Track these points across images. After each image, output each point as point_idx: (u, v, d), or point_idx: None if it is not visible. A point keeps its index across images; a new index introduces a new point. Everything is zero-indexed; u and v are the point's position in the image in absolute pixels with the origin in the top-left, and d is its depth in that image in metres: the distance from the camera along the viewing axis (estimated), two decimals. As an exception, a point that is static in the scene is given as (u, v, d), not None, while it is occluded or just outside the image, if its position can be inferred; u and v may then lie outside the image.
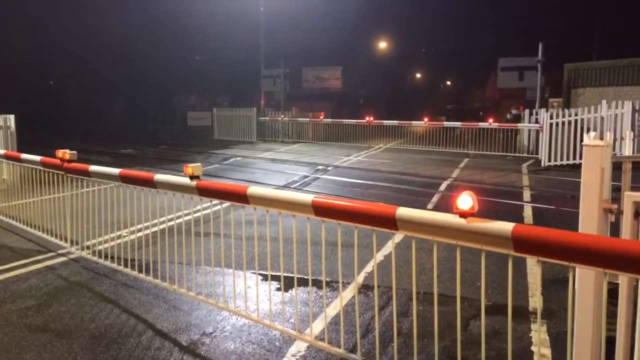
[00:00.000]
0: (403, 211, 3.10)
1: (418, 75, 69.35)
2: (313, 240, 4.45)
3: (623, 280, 2.72)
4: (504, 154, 18.07)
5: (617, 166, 4.01)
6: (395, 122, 21.71)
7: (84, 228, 6.20)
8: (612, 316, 3.06)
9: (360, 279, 5.44)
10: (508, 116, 21.15)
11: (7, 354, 3.86)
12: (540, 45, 22.59)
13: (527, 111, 18.95)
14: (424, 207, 8.94)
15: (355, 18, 46.14)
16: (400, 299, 4.92)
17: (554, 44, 26.32)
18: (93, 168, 5.67)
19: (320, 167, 15.09)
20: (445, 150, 19.41)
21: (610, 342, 2.68)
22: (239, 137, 24.68)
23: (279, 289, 5.13)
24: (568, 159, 14.89)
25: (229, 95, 40.65)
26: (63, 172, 6.14)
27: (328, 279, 5.28)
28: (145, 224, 5.60)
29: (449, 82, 75.54)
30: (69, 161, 5.97)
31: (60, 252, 6.33)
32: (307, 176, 13.36)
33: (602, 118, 14.75)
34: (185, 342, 4.07)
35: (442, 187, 11.77)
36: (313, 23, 40.08)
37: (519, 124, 18.87)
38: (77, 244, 6.27)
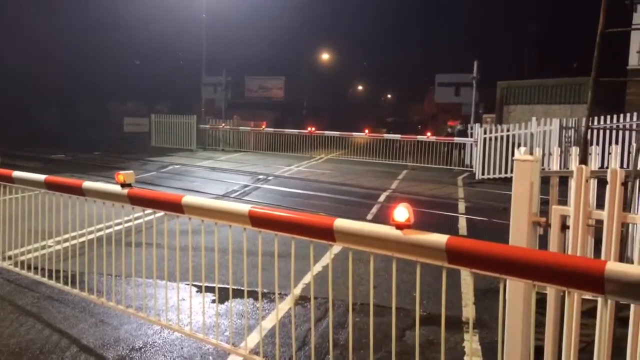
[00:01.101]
0: (340, 223, 3.08)
1: (360, 87, 70.56)
2: (250, 250, 4.36)
3: (550, 292, 2.80)
4: (444, 167, 18.51)
5: (545, 180, 4.17)
6: (336, 133, 21.91)
7: (6, 237, 5.81)
8: (540, 325, 3.16)
9: (297, 290, 5.39)
10: (449, 130, 21.78)
11: None
12: (475, 63, 23.47)
13: (469, 125, 19.62)
14: (363, 218, 9.01)
15: (299, 29, 46.49)
16: (338, 310, 4.91)
17: (488, 61, 27.43)
18: (16, 174, 5.34)
19: (261, 177, 14.96)
20: (385, 162, 19.74)
21: (539, 351, 2.75)
22: (178, 144, 24.14)
23: (214, 301, 4.99)
24: (500, 172, 15.48)
25: (169, 101, 39.80)
26: (-17, 178, 5.75)
27: (265, 290, 5.20)
28: (73, 234, 5.31)
29: (389, 95, 77.22)
30: (-9, 166, 5.60)
31: (-22, 262, 5.91)
32: (247, 185, 13.21)
33: (532, 134, 15.46)
34: (112, 358, 3.87)
35: (382, 198, 11.93)
36: (256, 32, 40.05)
37: (455, 138, 19.48)
38: (-3, 254, 5.87)
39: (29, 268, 5.46)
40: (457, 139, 19.38)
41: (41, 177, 5.04)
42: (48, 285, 5.15)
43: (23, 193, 5.58)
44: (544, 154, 13.79)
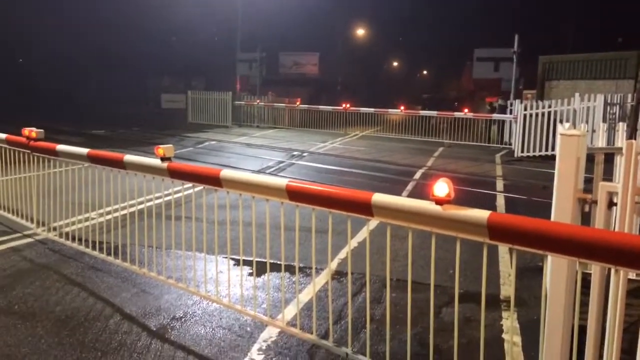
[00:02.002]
0: (379, 197, 3.06)
1: (395, 63, 69.46)
2: (286, 225, 4.38)
3: (595, 269, 2.73)
4: (479, 143, 18.20)
5: (588, 158, 4.04)
6: (371, 110, 21.70)
7: (51, 209, 6.01)
8: (582, 305, 3.09)
9: (333, 265, 5.41)
10: (488, 107, 21.32)
11: (-34, 338, 3.73)
12: (516, 37, 22.76)
13: (508, 102, 19.17)
14: (398, 195, 8.95)
15: (334, 4, 45.84)
16: (374, 286, 4.91)
17: (529, 35, 26.57)
18: (60, 147, 5.49)
19: (295, 153, 15.00)
20: (420, 139, 19.50)
21: (580, 330, 2.70)
22: (213, 120, 24.36)
23: (251, 274, 5.07)
24: (540, 150, 15.09)
25: (204, 78, 40.05)
26: (29, 151, 5.93)
27: (301, 265, 5.24)
28: (115, 206, 5.45)
29: (425, 72, 75.87)
30: (36, 140, 5.77)
31: (26, 233, 6.14)
32: (282, 162, 13.26)
33: (574, 110, 14.98)
34: (154, 327, 3.99)
35: (417, 175, 11.82)
36: (291, 8, 39.63)
37: (494, 115, 19.06)
38: (43, 225, 6.08)
39: (73, 239, 5.64)
40: (495, 116, 18.97)
41: (84, 150, 5.17)
42: (91, 255, 5.31)
43: (67, 167, 5.74)
44: (587, 131, 13.36)
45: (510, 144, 17.00)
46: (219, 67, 38.50)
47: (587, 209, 3.07)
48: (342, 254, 5.71)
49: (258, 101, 24.78)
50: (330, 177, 11.17)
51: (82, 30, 36.31)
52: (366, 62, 53.58)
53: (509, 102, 19.27)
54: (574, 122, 14.35)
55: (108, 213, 6.20)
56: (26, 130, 5.81)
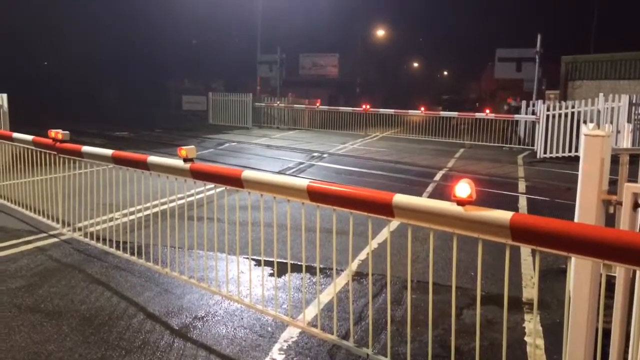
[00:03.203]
0: (400, 198, 3.06)
1: (415, 64, 69.16)
2: (307, 226, 4.40)
3: (620, 271, 2.70)
4: (500, 145, 18.04)
5: (613, 159, 3.99)
6: (391, 111, 21.64)
7: (76, 209, 6.13)
8: (606, 307, 3.05)
9: (354, 266, 5.42)
10: (505, 107, 21.13)
11: (-5, 335, 3.82)
12: (538, 37, 22.51)
13: (524, 102, 18.95)
14: (418, 196, 8.92)
15: (354, 5, 45.78)
16: (394, 287, 4.91)
17: (552, 35, 26.25)
18: (86, 149, 5.59)
19: (315, 154, 15.03)
20: (441, 140, 19.39)
21: (605, 334, 2.67)
22: (234, 122, 24.53)
23: (272, 275, 5.10)
24: (564, 151, 14.89)
25: (224, 80, 40.33)
26: (55, 153, 6.06)
27: (322, 266, 5.26)
28: (138, 207, 5.54)
29: (445, 72, 75.41)
30: (62, 141, 5.88)
31: (51, 233, 6.26)
32: (302, 163, 13.30)
33: (598, 111, 14.74)
34: (176, 326, 4.04)
35: (438, 176, 11.75)
36: (310, 9, 39.72)
37: (516, 115, 18.86)
38: (69, 225, 6.20)
39: (97, 239, 5.74)
40: (517, 116, 18.77)
41: (108, 151, 5.26)
42: (115, 255, 5.40)
43: (91, 168, 5.85)
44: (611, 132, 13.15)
45: (533, 145, 16.79)
46: (239, 69, 38.77)
47: (611, 210, 3.03)
48: (362, 255, 5.71)
49: (278, 102, 24.89)
50: (350, 178, 11.17)
51: (104, 34, 36.90)
52: (386, 63, 53.42)
53: (523, 103, 19.02)
54: (598, 123, 14.13)
55: (132, 213, 6.29)
56: (52, 132, 5.93)
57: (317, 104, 24.07)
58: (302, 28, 40.97)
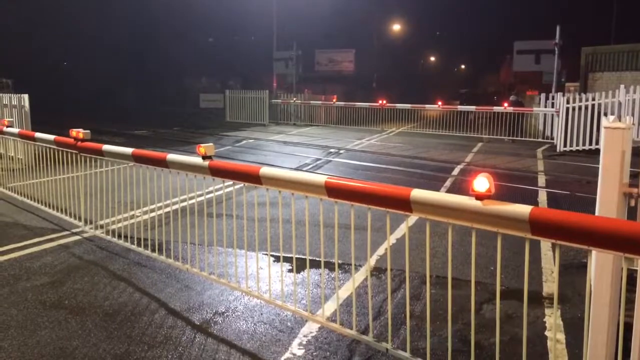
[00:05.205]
0: (418, 193, 3.06)
1: (432, 58, 68.66)
2: (325, 222, 4.43)
3: (642, 265, 2.67)
4: (522, 138, 17.81)
5: (634, 152, 3.93)
6: (408, 106, 21.51)
7: (98, 207, 6.24)
8: (627, 302, 3.02)
9: (372, 261, 5.43)
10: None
11: (22, 330, 3.91)
12: (557, 28, 22.20)
13: (543, 95, 18.72)
14: (436, 191, 8.88)
15: (369, 0, 45.59)
16: (413, 282, 4.91)
17: (571, 26, 25.85)
18: (106, 147, 5.67)
19: (332, 150, 15.04)
20: (458, 135, 19.25)
21: (627, 327, 2.64)
22: (251, 119, 24.64)
23: (290, 271, 5.13)
24: (584, 144, 14.69)
25: (241, 77, 40.50)
26: (77, 152, 6.16)
27: (340, 261, 5.28)
28: (159, 204, 5.61)
29: (463, 66, 74.73)
30: (83, 140, 5.98)
31: (74, 230, 6.38)
32: (319, 159, 13.32)
33: (619, 103, 14.50)
34: (197, 321, 4.09)
35: (455, 171, 11.69)
36: (326, 5, 39.63)
37: (535, 108, 18.64)
38: (91, 223, 6.31)
39: (119, 236, 5.84)
40: (536, 109, 18.56)
41: (129, 150, 5.33)
42: (137, 252, 5.48)
43: (112, 166, 5.94)
44: (633, 124, 12.93)
45: (552, 139, 16.58)
46: (256, 66, 38.89)
47: (632, 203, 3.00)
48: (381, 251, 5.72)
49: (294, 99, 24.92)
50: (367, 174, 11.16)
51: (122, 34, 37.29)
52: (402, 58, 53.12)
53: (542, 95, 18.78)
54: (619, 115, 13.89)
55: (152, 211, 6.37)
56: (74, 132, 6.03)
57: (334, 100, 24.06)
58: (318, 24, 40.97)
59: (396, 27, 49.95)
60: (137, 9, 37.64)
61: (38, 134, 7.08)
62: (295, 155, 14.04)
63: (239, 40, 42.31)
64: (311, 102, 24.49)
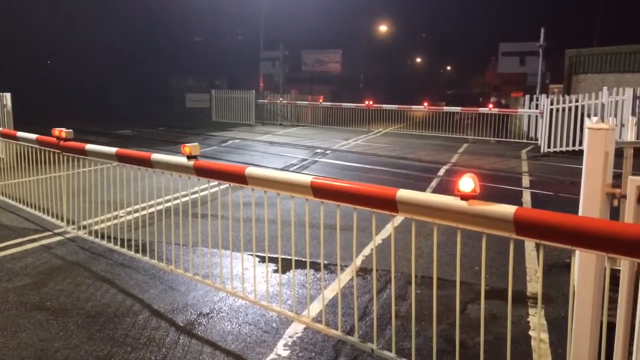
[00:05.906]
0: (403, 193, 3.06)
1: (418, 59, 68.98)
2: (311, 222, 4.41)
3: (624, 264, 2.69)
4: (507, 140, 17.95)
5: (617, 153, 3.97)
6: (394, 107, 21.58)
7: (81, 208, 6.15)
8: (610, 301, 3.05)
9: (358, 261, 5.42)
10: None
11: (2, 332, 3.84)
12: (542, 30, 22.41)
13: (527, 97, 18.89)
14: (422, 192, 8.91)
15: (356, 1, 45.68)
16: (398, 282, 4.91)
17: (555, 29, 26.13)
18: (89, 147, 5.61)
19: (318, 151, 15.03)
20: (444, 135, 19.36)
21: (610, 327, 2.66)
22: (237, 119, 24.53)
23: (276, 271, 5.11)
24: (568, 145, 14.85)
25: (227, 77, 40.33)
26: (59, 151, 6.08)
27: (326, 262, 5.26)
28: (143, 205, 5.55)
29: (449, 67, 75.17)
30: (65, 140, 5.90)
31: (56, 231, 6.29)
32: (305, 159, 13.31)
33: (602, 105, 14.68)
34: (182, 323, 4.05)
35: (441, 172, 11.74)
36: (314, 5, 39.66)
37: (520, 110, 18.81)
38: (73, 223, 6.23)
39: (102, 237, 5.77)
40: (520, 111, 18.71)
41: (112, 149, 5.27)
42: (120, 253, 5.42)
43: (96, 166, 5.87)
44: (615, 125, 13.10)
45: (536, 140, 16.74)
46: (243, 66, 38.75)
47: (615, 203, 3.03)
48: (366, 251, 5.72)
49: (281, 99, 24.88)
50: (354, 174, 11.17)
51: (106, 32, 36.93)
52: (389, 59, 53.30)
53: (527, 97, 18.98)
54: (602, 116, 14.07)
55: (136, 211, 6.30)
56: (56, 131, 5.95)
57: (320, 100, 24.05)
58: (304, 24, 40.95)
59: (383, 28, 50.10)
60: (123, 8, 37.32)
61: (20, 133, 6.97)
62: (282, 155, 14.01)
63: (226, 40, 42.15)
64: (298, 102, 24.47)
